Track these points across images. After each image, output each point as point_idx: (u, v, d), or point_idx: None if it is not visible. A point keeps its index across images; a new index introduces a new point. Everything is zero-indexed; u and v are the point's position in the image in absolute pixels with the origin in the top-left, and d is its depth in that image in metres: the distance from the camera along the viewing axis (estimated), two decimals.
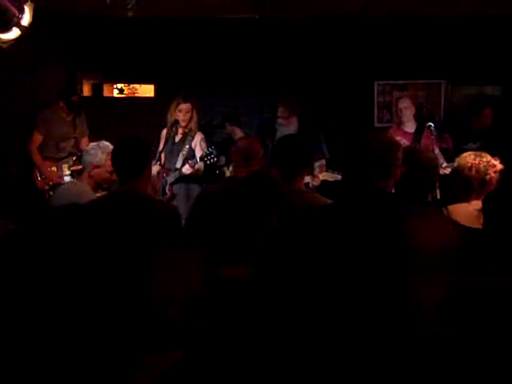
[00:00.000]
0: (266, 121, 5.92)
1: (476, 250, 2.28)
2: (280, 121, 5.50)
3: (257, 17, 6.57)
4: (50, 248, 2.77)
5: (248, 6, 6.06)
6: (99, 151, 3.82)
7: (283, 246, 2.59)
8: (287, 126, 5.46)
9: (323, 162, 5.14)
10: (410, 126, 5.90)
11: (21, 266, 2.66)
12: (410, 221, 2.25)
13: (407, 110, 5.89)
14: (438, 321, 1.60)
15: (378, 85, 7.61)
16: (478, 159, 3.34)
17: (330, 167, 5.11)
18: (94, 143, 3.88)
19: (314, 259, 2.44)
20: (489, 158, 3.35)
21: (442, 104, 7.52)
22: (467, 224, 2.89)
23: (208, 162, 4.92)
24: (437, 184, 4.72)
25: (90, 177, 3.84)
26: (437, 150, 5.50)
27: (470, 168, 3.31)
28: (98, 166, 3.81)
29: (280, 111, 5.56)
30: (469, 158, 3.38)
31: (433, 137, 5.31)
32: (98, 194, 3.86)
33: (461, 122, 7.68)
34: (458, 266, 2.38)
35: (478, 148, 5.83)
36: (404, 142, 5.34)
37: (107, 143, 3.89)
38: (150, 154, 3.14)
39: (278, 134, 5.30)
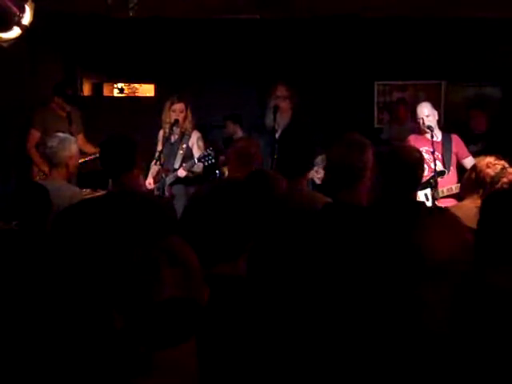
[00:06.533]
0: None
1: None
2: (277, 101, 4.73)
3: (258, 17, 6.57)
4: (54, 246, 2.78)
5: (249, 7, 6.05)
6: (68, 143, 3.86)
7: (278, 246, 2.57)
8: (281, 110, 4.73)
9: (324, 156, 4.76)
10: (436, 134, 4.77)
11: (20, 264, 2.66)
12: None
13: (429, 118, 4.77)
14: (447, 320, 1.59)
15: (378, 85, 7.62)
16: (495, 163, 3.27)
17: None
18: (55, 139, 3.87)
19: (307, 264, 2.44)
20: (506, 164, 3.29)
21: (442, 105, 7.52)
22: (469, 225, 2.88)
23: (206, 164, 4.91)
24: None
25: (67, 169, 3.84)
26: (439, 161, 4.72)
27: (488, 174, 3.27)
28: (71, 157, 3.86)
29: (280, 90, 4.80)
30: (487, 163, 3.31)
31: (435, 138, 4.65)
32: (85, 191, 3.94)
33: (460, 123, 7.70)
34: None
35: (479, 150, 5.81)
36: (429, 153, 4.56)
37: (61, 133, 4.05)
38: (138, 148, 3.12)
39: (268, 116, 4.75)
